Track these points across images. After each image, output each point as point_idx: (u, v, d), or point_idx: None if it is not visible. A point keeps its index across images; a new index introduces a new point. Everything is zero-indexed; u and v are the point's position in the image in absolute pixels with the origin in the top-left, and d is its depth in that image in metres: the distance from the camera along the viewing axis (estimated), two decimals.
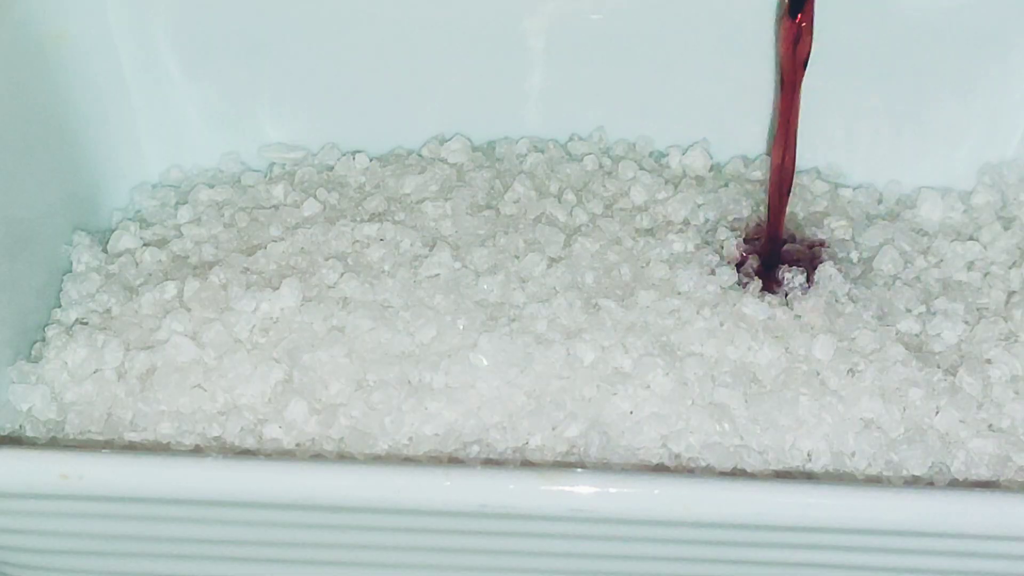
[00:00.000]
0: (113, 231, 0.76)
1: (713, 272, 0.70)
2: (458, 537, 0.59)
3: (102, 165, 0.79)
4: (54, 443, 0.66)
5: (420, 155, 0.80)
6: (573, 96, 0.81)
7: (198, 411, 0.66)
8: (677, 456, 0.65)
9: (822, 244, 0.74)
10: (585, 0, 0.80)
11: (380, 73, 0.81)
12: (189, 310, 0.69)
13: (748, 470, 0.64)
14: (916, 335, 0.70)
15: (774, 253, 0.72)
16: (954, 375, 0.67)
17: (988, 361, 0.68)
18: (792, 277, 0.70)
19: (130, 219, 0.78)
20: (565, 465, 0.64)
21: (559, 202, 0.75)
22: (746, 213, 0.75)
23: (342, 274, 0.70)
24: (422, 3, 0.80)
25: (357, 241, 0.73)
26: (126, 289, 0.72)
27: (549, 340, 0.67)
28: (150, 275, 0.72)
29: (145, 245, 0.75)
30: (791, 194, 0.73)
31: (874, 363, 0.67)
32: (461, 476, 0.56)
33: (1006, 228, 0.77)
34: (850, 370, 0.67)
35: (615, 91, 0.81)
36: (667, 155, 0.81)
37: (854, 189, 0.80)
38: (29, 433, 0.67)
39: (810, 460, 0.65)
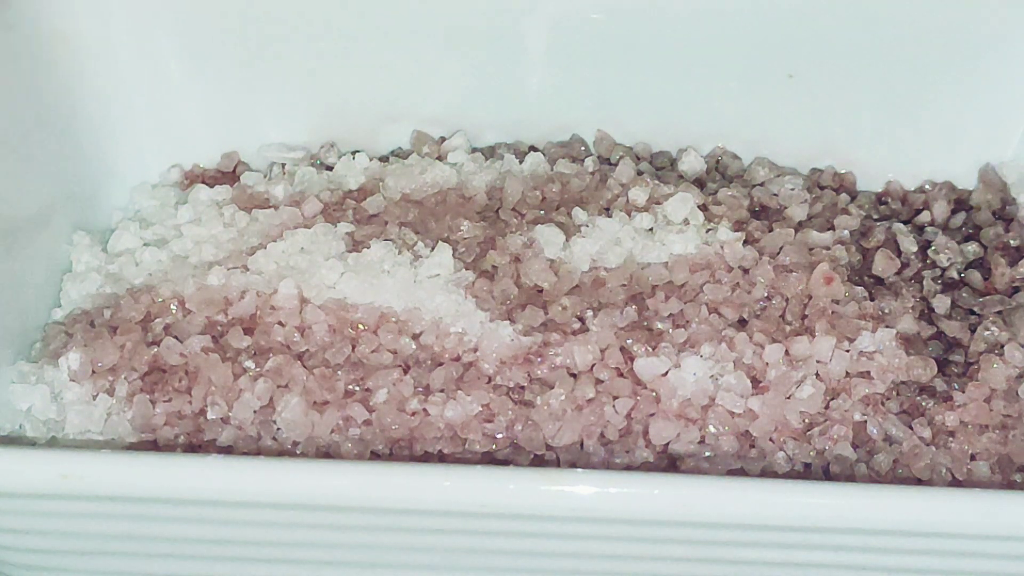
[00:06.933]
0: (113, 231, 0.76)
1: None
2: (458, 537, 0.59)
3: (102, 165, 0.79)
4: (54, 443, 0.66)
5: (420, 155, 0.80)
6: (573, 96, 0.81)
7: (197, 411, 0.66)
8: (677, 456, 0.65)
9: None
10: (585, 0, 0.80)
11: (380, 73, 0.81)
12: (189, 310, 0.69)
13: (748, 471, 0.65)
14: (916, 334, 0.70)
15: None
16: (956, 375, 0.67)
17: (988, 360, 0.68)
18: None
19: (130, 219, 0.78)
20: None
21: (558, 203, 0.75)
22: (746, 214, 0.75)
23: (342, 274, 0.70)
24: (422, 4, 0.80)
25: (357, 241, 0.73)
26: (126, 289, 0.72)
27: (549, 340, 0.67)
28: (150, 275, 0.72)
29: (145, 245, 0.75)
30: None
31: (874, 362, 0.67)
32: (461, 476, 0.56)
33: (1006, 229, 0.77)
34: (847, 371, 0.67)
35: (615, 91, 0.81)
36: (667, 155, 0.81)
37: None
38: (29, 433, 0.67)
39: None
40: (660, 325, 0.69)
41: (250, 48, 0.81)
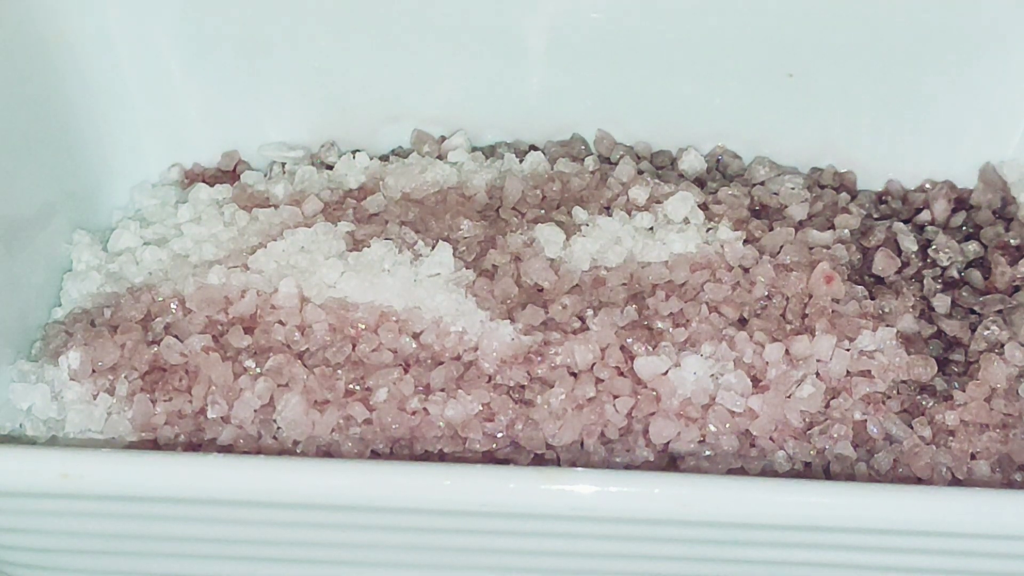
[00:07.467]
0: (113, 230, 0.76)
1: None
2: (458, 536, 0.59)
3: (102, 164, 0.79)
4: (54, 442, 0.66)
5: (420, 154, 0.80)
6: (573, 96, 0.81)
7: (198, 411, 0.66)
8: (677, 455, 0.65)
9: None
10: (585, 0, 0.80)
11: (380, 73, 0.81)
12: (189, 310, 0.69)
13: (748, 470, 0.64)
14: (916, 333, 0.70)
15: None
16: (956, 374, 0.67)
17: (989, 359, 0.68)
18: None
19: (130, 218, 0.78)
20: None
21: (559, 202, 0.75)
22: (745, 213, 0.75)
23: (342, 274, 0.70)
24: (422, 4, 0.80)
25: (357, 240, 0.73)
26: (126, 288, 0.72)
27: (549, 339, 0.67)
28: (150, 274, 0.72)
29: (145, 244, 0.75)
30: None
31: (874, 361, 0.67)
32: (461, 476, 0.56)
33: (1006, 228, 0.77)
34: (848, 370, 0.67)
35: (615, 91, 0.81)
36: (667, 154, 0.81)
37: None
38: (29, 432, 0.67)
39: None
40: (660, 324, 0.69)
41: (250, 47, 0.81)
